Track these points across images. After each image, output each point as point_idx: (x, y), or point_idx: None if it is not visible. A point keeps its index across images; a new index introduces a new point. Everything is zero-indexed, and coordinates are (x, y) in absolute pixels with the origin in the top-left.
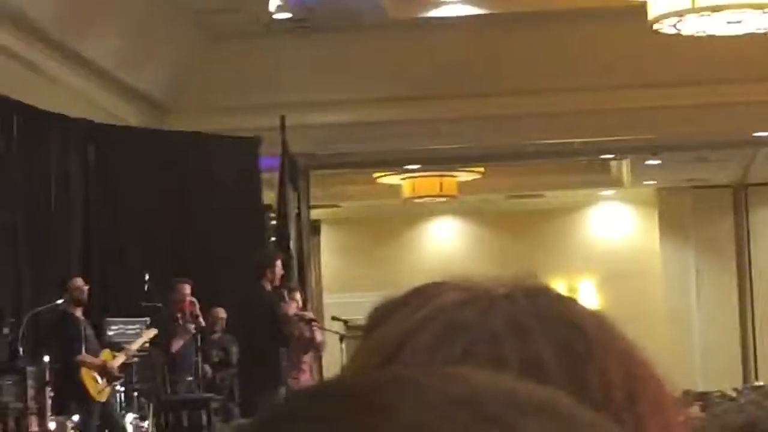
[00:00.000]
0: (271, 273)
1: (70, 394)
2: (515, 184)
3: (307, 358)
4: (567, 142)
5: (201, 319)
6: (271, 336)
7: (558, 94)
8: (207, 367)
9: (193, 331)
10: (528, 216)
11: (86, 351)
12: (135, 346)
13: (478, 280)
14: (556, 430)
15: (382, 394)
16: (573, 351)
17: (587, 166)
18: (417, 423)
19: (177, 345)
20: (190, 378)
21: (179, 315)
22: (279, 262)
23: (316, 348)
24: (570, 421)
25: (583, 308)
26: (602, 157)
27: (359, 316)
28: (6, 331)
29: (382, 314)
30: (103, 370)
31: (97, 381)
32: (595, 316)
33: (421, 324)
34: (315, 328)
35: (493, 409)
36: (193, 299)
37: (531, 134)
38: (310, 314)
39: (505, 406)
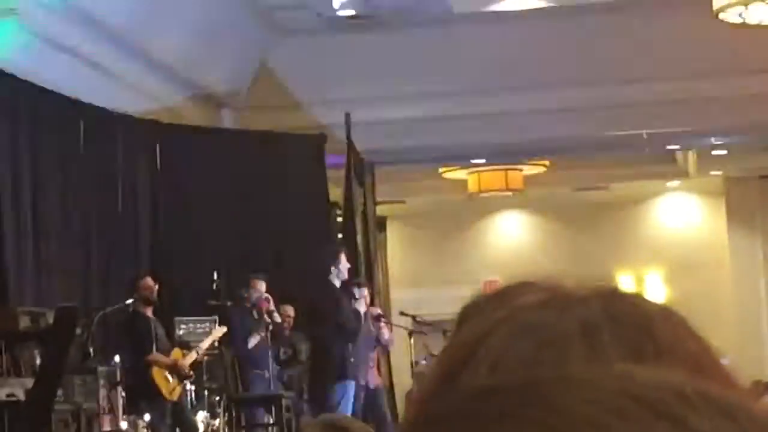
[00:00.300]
0: (338, 269)
1: (141, 394)
2: (581, 176)
3: (375, 354)
4: (633, 134)
5: (276, 315)
6: (338, 333)
7: (623, 85)
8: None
9: (269, 328)
10: (594, 208)
11: (157, 350)
12: (205, 344)
13: (561, 282)
14: (726, 425)
15: (554, 390)
16: (641, 354)
17: (653, 157)
18: (589, 418)
19: (253, 342)
20: (267, 374)
21: (255, 312)
22: (343, 256)
23: (385, 344)
24: (740, 415)
25: (656, 310)
26: (668, 147)
27: (426, 311)
28: (78, 331)
29: (470, 311)
30: (174, 369)
31: (168, 380)
32: (667, 318)
33: (496, 324)
34: (383, 323)
35: (662, 404)
36: (269, 296)
37: (597, 126)
38: (378, 310)
39: (675, 400)
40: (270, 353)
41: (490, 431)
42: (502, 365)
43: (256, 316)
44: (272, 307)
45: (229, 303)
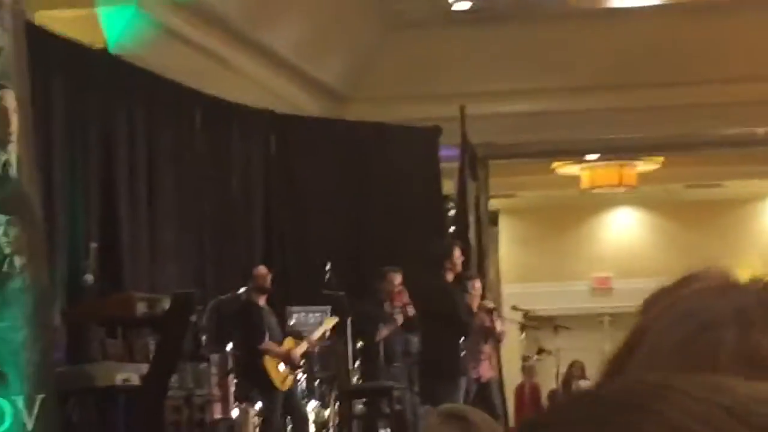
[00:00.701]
0: (450, 263)
1: (253, 382)
2: (695, 173)
3: (487, 347)
4: (748, 131)
5: (411, 308)
6: (451, 326)
7: (739, 83)
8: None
9: (400, 321)
10: (708, 206)
11: (269, 339)
12: (317, 334)
13: (729, 272)
14: None
15: (651, 397)
16: None
17: None
18: (681, 426)
19: (383, 334)
20: (398, 364)
21: (388, 303)
22: (458, 251)
23: (497, 338)
24: None
25: None
26: None
27: (538, 306)
28: (194, 318)
29: (649, 301)
30: (286, 359)
31: (280, 369)
32: None
33: (661, 311)
34: (495, 317)
35: (757, 419)
36: (403, 288)
37: (711, 123)
38: (490, 303)
39: None
40: (399, 346)
41: None
42: (659, 350)
43: (388, 308)
44: (407, 299)
45: (341, 293)
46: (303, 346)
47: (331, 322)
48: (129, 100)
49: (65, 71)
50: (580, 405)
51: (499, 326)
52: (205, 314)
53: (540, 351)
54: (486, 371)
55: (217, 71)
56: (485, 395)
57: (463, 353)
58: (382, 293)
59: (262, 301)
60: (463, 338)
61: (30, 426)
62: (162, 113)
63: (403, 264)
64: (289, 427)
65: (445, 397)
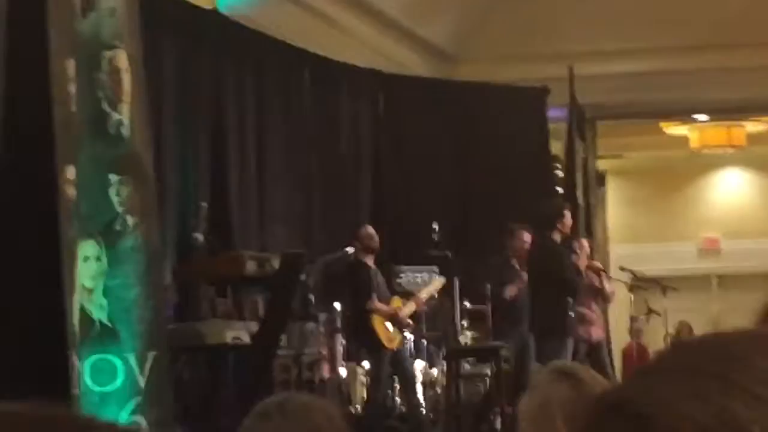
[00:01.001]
0: (561, 224)
1: (361, 341)
2: None
3: (596, 308)
4: None
5: None
6: (558, 286)
7: None
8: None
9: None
10: None
11: (377, 299)
12: (425, 294)
13: None
14: None
15: (739, 346)
16: None
17: None
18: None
19: (511, 292)
20: (522, 326)
21: (516, 262)
22: (568, 213)
23: (605, 298)
24: None
25: None
26: None
27: (646, 267)
28: (303, 277)
29: None
30: (394, 318)
31: (388, 329)
32: None
33: None
34: (604, 277)
35: None
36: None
37: None
38: (599, 264)
39: None
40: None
41: (683, 382)
42: None
43: (516, 266)
44: None
45: (448, 253)
46: (411, 306)
47: (439, 282)
48: (238, 60)
49: (175, 31)
50: (680, 354)
51: (607, 286)
52: (313, 273)
53: (649, 312)
54: (596, 332)
55: (325, 31)
56: (595, 356)
57: (571, 314)
58: (510, 251)
59: (370, 261)
60: (572, 301)
61: (142, 383)
62: (271, 73)
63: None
64: (397, 387)
65: (553, 357)
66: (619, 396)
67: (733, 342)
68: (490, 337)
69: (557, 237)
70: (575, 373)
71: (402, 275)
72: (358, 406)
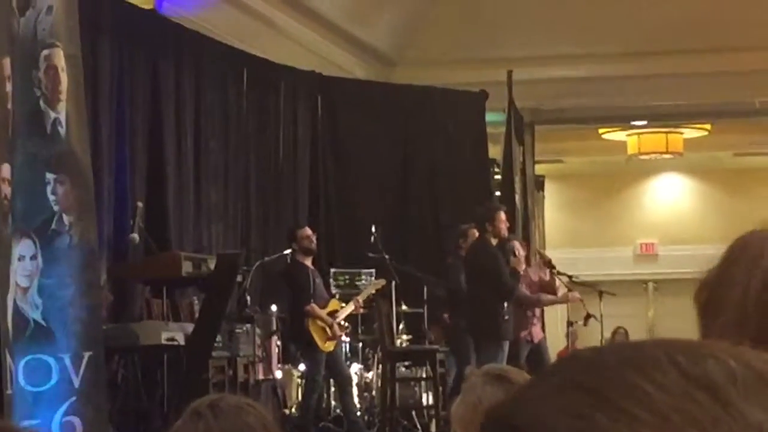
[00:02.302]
0: (492, 225)
1: (297, 344)
2: (742, 141)
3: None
4: None
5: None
6: (494, 289)
7: None
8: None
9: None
10: (754, 173)
11: (315, 301)
12: (363, 296)
13: None
14: None
15: (614, 359)
16: None
17: None
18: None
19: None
20: None
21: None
22: (502, 215)
23: (553, 293)
24: None
25: None
26: None
27: (583, 272)
28: (239, 279)
29: None
30: (331, 321)
31: (325, 331)
32: None
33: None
34: (553, 271)
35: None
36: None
37: (760, 91)
38: (548, 256)
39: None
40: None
41: (558, 396)
42: None
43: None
44: None
45: (386, 256)
46: (348, 308)
47: (378, 284)
48: (176, 61)
49: (113, 30)
50: (563, 368)
51: (557, 282)
52: (250, 275)
53: (587, 317)
54: (538, 332)
55: (264, 33)
56: (538, 356)
57: (506, 319)
58: (464, 251)
59: (308, 262)
60: (506, 304)
61: (77, 383)
62: (209, 74)
63: (449, 228)
64: (332, 390)
65: (488, 360)
66: (501, 410)
67: (609, 355)
68: (427, 340)
69: (491, 239)
70: (507, 376)
71: (339, 277)
72: (293, 408)
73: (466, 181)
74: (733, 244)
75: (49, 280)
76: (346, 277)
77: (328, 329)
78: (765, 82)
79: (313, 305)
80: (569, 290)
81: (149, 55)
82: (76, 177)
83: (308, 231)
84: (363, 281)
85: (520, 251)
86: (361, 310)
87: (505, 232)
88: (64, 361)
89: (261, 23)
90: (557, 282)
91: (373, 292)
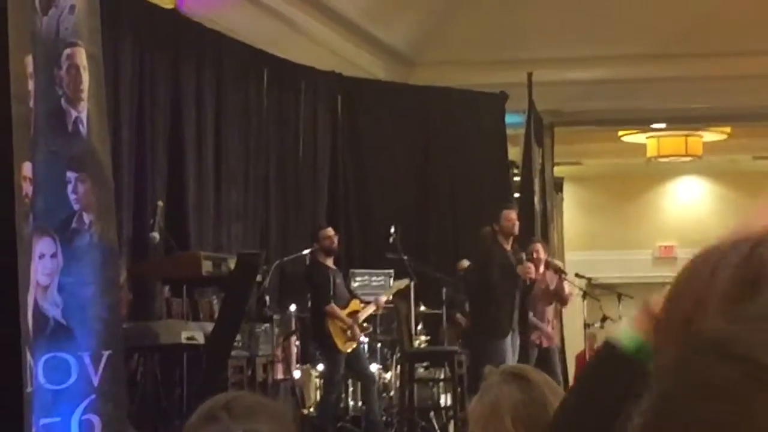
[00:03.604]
0: (498, 225)
1: (317, 343)
2: (762, 144)
3: (550, 309)
4: None
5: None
6: (486, 289)
7: None
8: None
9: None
10: None
11: (335, 301)
12: (385, 297)
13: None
14: None
15: None
16: None
17: None
18: None
19: None
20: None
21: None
22: (508, 213)
23: (563, 300)
24: None
25: None
26: None
27: (601, 274)
28: (259, 278)
29: None
30: (351, 321)
31: (344, 332)
32: None
33: None
34: (564, 278)
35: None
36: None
37: None
38: (559, 263)
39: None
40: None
41: None
42: None
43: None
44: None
45: (405, 257)
46: (370, 309)
47: (402, 284)
48: (197, 60)
49: (135, 30)
50: None
51: (567, 289)
52: (269, 274)
53: (604, 319)
54: (549, 337)
55: (284, 33)
56: (546, 361)
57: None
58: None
59: (329, 262)
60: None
61: (96, 382)
62: (229, 74)
63: (468, 229)
64: (351, 390)
65: (488, 359)
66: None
67: None
68: (445, 341)
69: (502, 239)
70: (525, 374)
71: (358, 278)
72: (312, 408)
73: (486, 182)
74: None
75: (69, 278)
76: (365, 278)
77: (348, 330)
78: None
79: (333, 305)
80: (585, 295)
81: (170, 54)
82: (97, 176)
83: (331, 231)
84: (382, 282)
85: (541, 253)
86: (382, 311)
87: (512, 230)
88: (83, 360)
89: (281, 23)
90: (567, 289)
91: (396, 291)
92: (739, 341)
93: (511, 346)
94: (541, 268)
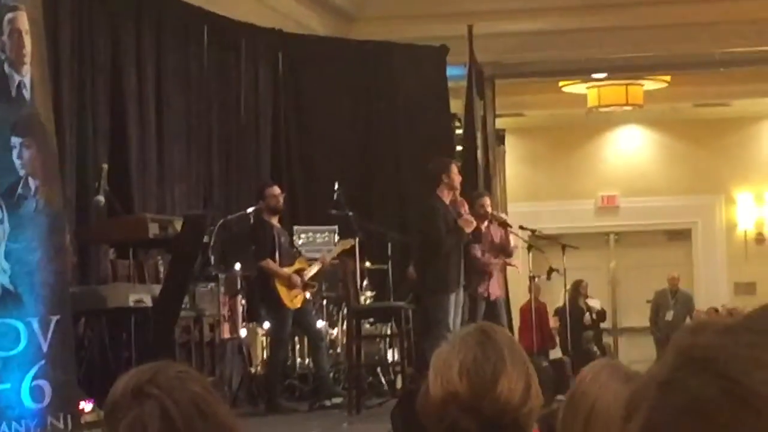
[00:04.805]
0: (448, 179)
1: (263, 301)
2: (702, 92)
3: (497, 263)
4: (756, 50)
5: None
6: (428, 244)
7: (748, 0)
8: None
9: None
10: (714, 125)
11: (281, 259)
12: (331, 256)
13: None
14: None
15: None
16: None
17: None
18: None
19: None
20: None
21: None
22: (454, 167)
23: (508, 252)
24: None
25: None
26: None
27: (544, 225)
28: (205, 239)
29: None
30: (295, 278)
31: (289, 288)
32: None
33: None
34: (509, 231)
35: None
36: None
37: (719, 42)
38: (504, 216)
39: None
40: None
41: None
42: None
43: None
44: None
45: (350, 213)
46: (315, 267)
47: (348, 243)
48: (136, 20)
49: None
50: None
51: (512, 241)
52: (213, 234)
53: (550, 271)
54: (496, 289)
55: None
56: (494, 313)
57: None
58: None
59: (274, 221)
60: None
61: (45, 347)
62: (169, 33)
63: (411, 182)
64: (297, 347)
65: (435, 314)
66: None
67: None
68: (391, 296)
69: (446, 193)
70: (489, 331)
71: (302, 235)
72: (259, 367)
73: (428, 136)
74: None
75: (17, 244)
76: (309, 234)
77: (288, 282)
78: (724, 33)
79: (269, 260)
80: (530, 247)
81: (109, 15)
82: (42, 141)
83: (277, 189)
84: (326, 238)
85: (487, 207)
86: (328, 268)
87: (457, 185)
88: (32, 326)
89: None
90: (512, 242)
91: (341, 251)
92: (724, 360)
93: (455, 300)
94: (471, 226)
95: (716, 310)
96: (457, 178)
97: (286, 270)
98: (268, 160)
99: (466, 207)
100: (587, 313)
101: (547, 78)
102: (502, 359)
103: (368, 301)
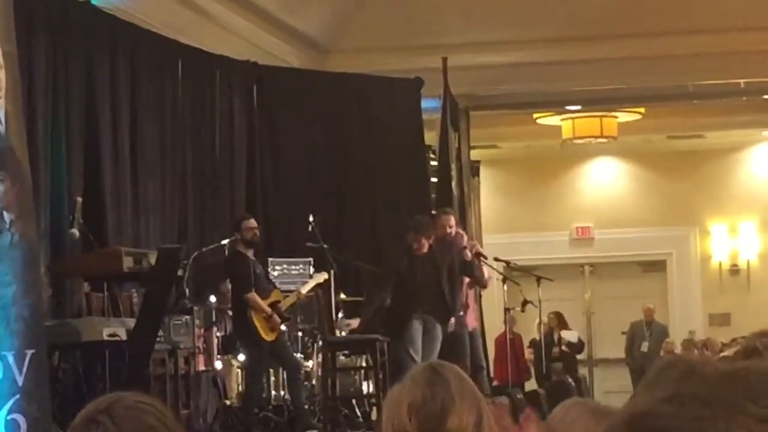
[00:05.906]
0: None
1: (239, 334)
2: (676, 124)
3: (473, 294)
4: (729, 83)
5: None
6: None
7: (720, 34)
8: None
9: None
10: (688, 156)
11: (256, 291)
12: (306, 288)
13: None
14: None
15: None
16: None
17: (748, 105)
18: None
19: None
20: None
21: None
22: (440, 220)
23: (482, 284)
24: None
25: None
26: (765, 97)
27: (519, 257)
28: (180, 272)
29: None
30: (272, 311)
31: (266, 321)
32: None
33: None
34: (482, 262)
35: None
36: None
37: (692, 75)
38: (478, 246)
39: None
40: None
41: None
42: None
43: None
44: (465, 241)
45: (325, 245)
46: (291, 300)
47: (322, 276)
48: (111, 52)
49: (48, 23)
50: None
51: (486, 272)
52: (188, 266)
53: (525, 303)
54: (471, 321)
55: (198, 23)
56: (471, 345)
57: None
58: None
59: (249, 253)
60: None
61: (20, 381)
62: (144, 66)
63: (386, 214)
64: (273, 380)
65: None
66: (653, 422)
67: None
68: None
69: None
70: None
71: (277, 267)
72: (234, 399)
73: (403, 168)
74: None
75: None
76: (284, 267)
77: (269, 319)
78: (697, 65)
79: (254, 294)
80: (505, 279)
81: (84, 47)
82: (16, 174)
83: (253, 222)
84: (301, 270)
85: (449, 227)
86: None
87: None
88: (7, 359)
89: (195, 13)
90: (486, 273)
91: (315, 284)
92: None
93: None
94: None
95: (690, 341)
96: (445, 224)
97: (266, 306)
98: (243, 192)
99: (465, 238)
100: (556, 346)
101: (521, 110)
102: (451, 396)
103: (343, 334)
